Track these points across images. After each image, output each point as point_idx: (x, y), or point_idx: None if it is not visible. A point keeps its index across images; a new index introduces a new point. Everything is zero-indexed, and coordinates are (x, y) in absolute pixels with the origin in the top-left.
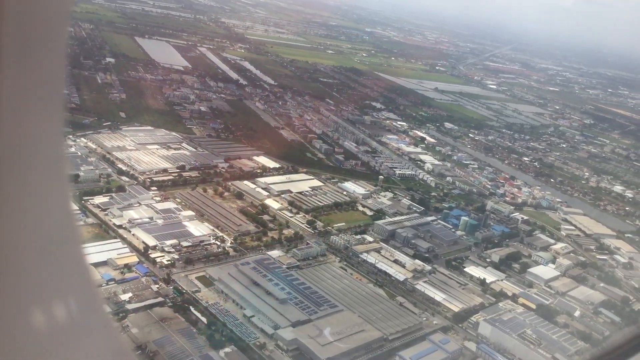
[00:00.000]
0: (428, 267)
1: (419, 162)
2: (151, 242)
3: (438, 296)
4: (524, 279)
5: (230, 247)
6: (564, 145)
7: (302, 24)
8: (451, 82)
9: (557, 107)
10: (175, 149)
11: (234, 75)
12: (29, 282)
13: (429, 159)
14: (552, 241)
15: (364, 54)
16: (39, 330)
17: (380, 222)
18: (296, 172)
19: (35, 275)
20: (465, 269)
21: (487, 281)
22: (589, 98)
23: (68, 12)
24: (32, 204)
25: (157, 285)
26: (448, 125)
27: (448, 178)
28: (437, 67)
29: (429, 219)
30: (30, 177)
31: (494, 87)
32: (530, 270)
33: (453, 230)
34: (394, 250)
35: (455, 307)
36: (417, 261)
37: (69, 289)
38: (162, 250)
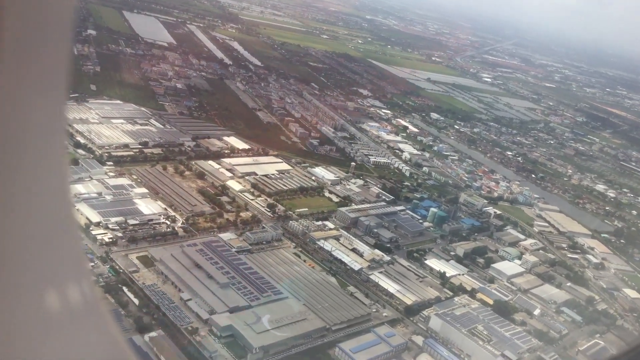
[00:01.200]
0: (387, 258)
1: (397, 151)
2: (95, 218)
3: (392, 288)
4: (487, 274)
5: (181, 227)
6: (552, 142)
7: (301, 8)
8: (445, 73)
9: (551, 104)
10: (141, 124)
11: (220, 54)
12: (28, 272)
13: (407, 148)
14: (522, 237)
15: (360, 41)
16: (37, 320)
17: (343, 209)
18: (266, 154)
19: (35, 265)
20: (426, 261)
21: (447, 275)
22: (585, 96)
23: (72, 6)
24: (34, 195)
25: (92, 264)
26: (434, 115)
27: (424, 168)
28: (434, 58)
29: (397, 208)
30: (32, 168)
31: (489, 80)
32: (494, 265)
33: (420, 221)
34: (354, 238)
35: (409, 299)
36: (377, 251)
37: (66, 278)
38: (106, 228)
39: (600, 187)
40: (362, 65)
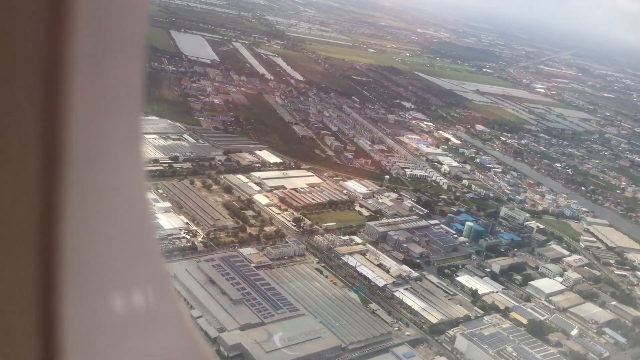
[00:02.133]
0: (415, 274)
1: (436, 164)
2: None
3: (417, 305)
4: (524, 292)
5: (201, 242)
6: (606, 153)
7: (350, 23)
8: (496, 84)
9: (608, 114)
10: (174, 139)
11: (261, 70)
12: (107, 276)
13: (447, 161)
14: (567, 253)
15: (408, 54)
16: (115, 320)
17: (372, 223)
18: (298, 168)
19: (114, 269)
20: (457, 278)
21: (480, 292)
22: None
23: (146, 11)
24: (113, 202)
25: None
26: (479, 127)
27: (464, 181)
28: (485, 69)
29: (431, 222)
30: (111, 175)
31: (542, 90)
32: (532, 283)
33: (455, 235)
34: (381, 253)
35: (434, 318)
36: (404, 267)
37: (145, 282)
38: None
39: None
40: (407, 78)
